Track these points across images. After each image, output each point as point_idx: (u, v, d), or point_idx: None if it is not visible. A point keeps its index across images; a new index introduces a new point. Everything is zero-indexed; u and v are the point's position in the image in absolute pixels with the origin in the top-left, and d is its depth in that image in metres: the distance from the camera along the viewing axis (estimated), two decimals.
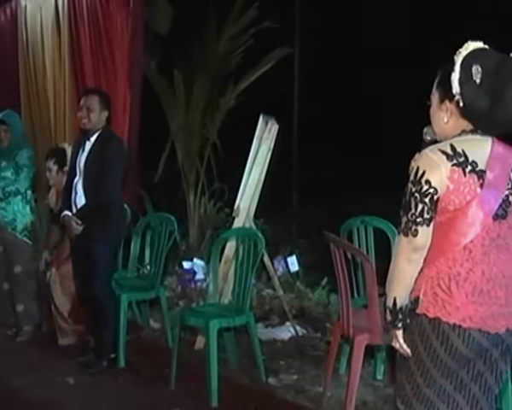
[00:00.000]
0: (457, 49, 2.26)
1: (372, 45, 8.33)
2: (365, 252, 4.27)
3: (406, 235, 2.24)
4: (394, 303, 2.27)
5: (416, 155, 2.30)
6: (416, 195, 2.22)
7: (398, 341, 2.32)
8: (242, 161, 4.93)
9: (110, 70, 5.60)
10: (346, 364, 4.11)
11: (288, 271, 5.40)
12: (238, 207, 4.79)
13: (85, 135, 4.50)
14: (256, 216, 5.12)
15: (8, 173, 5.11)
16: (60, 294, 4.94)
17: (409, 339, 2.31)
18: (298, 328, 4.93)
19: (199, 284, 5.28)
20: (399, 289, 2.27)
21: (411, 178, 2.24)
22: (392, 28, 8.03)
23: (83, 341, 4.87)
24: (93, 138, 4.46)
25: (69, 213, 4.42)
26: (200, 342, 4.72)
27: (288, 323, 4.98)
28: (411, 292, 2.30)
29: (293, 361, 4.56)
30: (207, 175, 6.14)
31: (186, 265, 5.39)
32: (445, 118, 2.31)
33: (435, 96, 2.34)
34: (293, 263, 5.33)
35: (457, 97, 2.23)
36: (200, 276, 5.30)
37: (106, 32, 5.58)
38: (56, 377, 4.38)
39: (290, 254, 5.46)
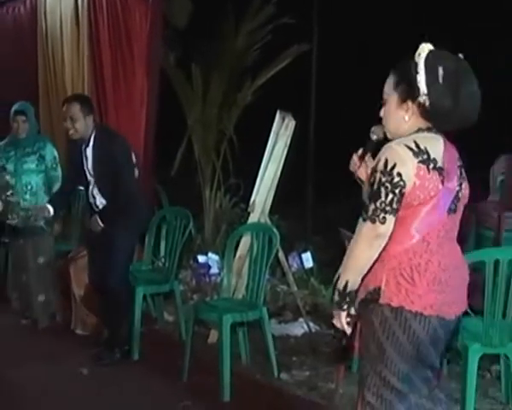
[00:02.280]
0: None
1: (391, 41, 8.27)
2: None
3: (373, 222, 2.33)
4: (345, 286, 2.38)
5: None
6: (387, 185, 2.31)
7: (341, 321, 2.42)
8: (258, 157, 4.94)
9: (128, 63, 5.62)
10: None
11: (303, 267, 5.40)
12: (253, 202, 4.79)
13: (81, 142, 4.46)
14: (271, 212, 5.12)
15: (33, 166, 5.17)
16: (76, 285, 4.99)
17: (369, 329, 2.42)
18: (311, 324, 4.93)
19: (213, 278, 5.29)
20: (353, 274, 2.38)
21: (381, 168, 2.32)
22: (408, 23, 7.97)
23: (97, 332, 4.90)
24: (91, 143, 4.43)
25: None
26: (213, 336, 4.73)
27: (301, 319, 4.98)
28: (369, 283, 2.40)
29: (305, 358, 4.55)
30: (223, 170, 6.15)
31: (201, 259, 5.41)
32: (406, 117, 2.41)
33: (393, 96, 2.42)
34: (307, 259, 5.33)
35: (424, 98, 2.33)
36: (214, 270, 5.31)
37: (125, 25, 5.60)
38: (71, 368, 4.41)
39: (305, 251, 5.45)
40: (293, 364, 4.46)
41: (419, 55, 2.34)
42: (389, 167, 2.30)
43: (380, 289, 2.37)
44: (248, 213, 4.86)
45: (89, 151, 4.43)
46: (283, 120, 4.77)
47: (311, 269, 5.39)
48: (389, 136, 2.47)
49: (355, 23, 8.24)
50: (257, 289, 4.30)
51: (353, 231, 4.22)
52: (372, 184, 2.34)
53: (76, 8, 6.00)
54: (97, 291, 4.68)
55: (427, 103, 2.33)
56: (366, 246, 2.34)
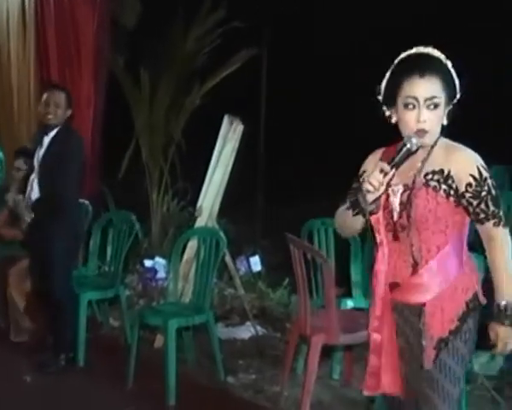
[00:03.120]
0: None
1: (341, 45, 8.38)
2: (325, 253, 4.31)
3: (505, 226, 2.31)
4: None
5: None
6: (496, 191, 2.30)
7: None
8: (207, 161, 4.94)
9: (75, 64, 5.56)
10: (304, 364, 4.13)
11: (251, 271, 5.41)
12: (201, 206, 4.80)
13: (43, 130, 4.45)
14: (220, 216, 5.13)
15: None
16: (15, 290, 4.89)
17: (468, 336, 2.37)
18: (258, 328, 4.95)
19: (160, 282, 5.26)
20: None
21: (485, 174, 2.27)
22: (363, 27, 8.09)
23: (38, 339, 4.81)
24: (52, 134, 4.42)
25: (20, 196, 4.41)
26: (159, 340, 4.70)
27: (248, 322, 4.99)
28: (468, 291, 2.38)
29: (252, 361, 4.57)
30: (171, 174, 6.13)
31: (147, 263, 5.37)
32: (445, 120, 2.35)
33: (443, 99, 2.28)
34: (255, 263, 5.34)
35: (455, 100, 2.34)
36: (161, 274, 5.28)
37: (72, 26, 5.54)
38: (13, 375, 4.32)
39: (253, 254, 5.46)
40: (240, 367, 4.47)
41: (440, 57, 2.31)
42: (486, 173, 2.28)
43: (476, 293, 2.39)
44: (196, 217, 4.86)
45: (46, 140, 4.41)
46: (231, 124, 4.79)
47: (260, 273, 5.40)
48: (429, 142, 2.32)
49: (305, 27, 8.32)
50: (203, 293, 4.30)
51: (299, 235, 4.30)
52: (489, 191, 2.27)
53: (23, 7, 5.89)
54: (40, 297, 4.60)
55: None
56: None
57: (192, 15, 6.30)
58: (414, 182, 2.32)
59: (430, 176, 2.32)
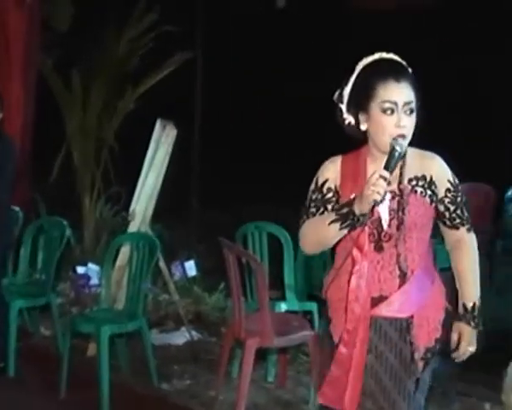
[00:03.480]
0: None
1: (276, 48, 8.45)
2: (259, 257, 4.34)
3: (473, 232, 2.36)
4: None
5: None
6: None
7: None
8: (140, 165, 4.90)
9: (4, 66, 5.43)
10: (239, 367, 4.14)
11: (186, 275, 5.39)
12: (133, 211, 4.76)
13: None
14: (154, 221, 5.09)
15: None
16: None
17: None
18: (193, 333, 4.93)
19: (93, 289, 5.18)
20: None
21: (457, 181, 2.32)
22: (297, 30, 8.18)
23: None
24: None
25: None
26: (92, 349, 4.62)
27: (183, 328, 4.96)
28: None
29: (187, 366, 4.55)
30: (104, 178, 6.04)
31: (80, 270, 5.28)
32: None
33: (415, 107, 2.24)
34: (190, 268, 5.32)
35: None
36: (94, 281, 5.20)
37: (1, 27, 5.40)
38: None
39: (188, 259, 5.44)
40: (175, 373, 4.45)
41: (403, 62, 2.29)
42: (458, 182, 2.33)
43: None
44: (129, 222, 4.81)
45: None
46: (164, 128, 4.76)
47: (195, 277, 5.39)
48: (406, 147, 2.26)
49: (240, 32, 8.35)
50: (137, 299, 4.26)
51: (233, 240, 4.32)
52: (462, 197, 2.31)
53: None
54: None
55: None
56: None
57: (125, 18, 6.24)
58: (400, 189, 2.26)
59: (415, 182, 2.29)
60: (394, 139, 2.18)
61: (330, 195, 2.31)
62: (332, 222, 2.20)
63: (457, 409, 3.96)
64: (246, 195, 7.41)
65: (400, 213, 2.24)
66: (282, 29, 8.06)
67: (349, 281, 2.27)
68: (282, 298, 4.50)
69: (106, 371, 3.94)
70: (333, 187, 2.31)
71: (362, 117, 2.27)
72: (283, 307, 4.36)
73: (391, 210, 2.25)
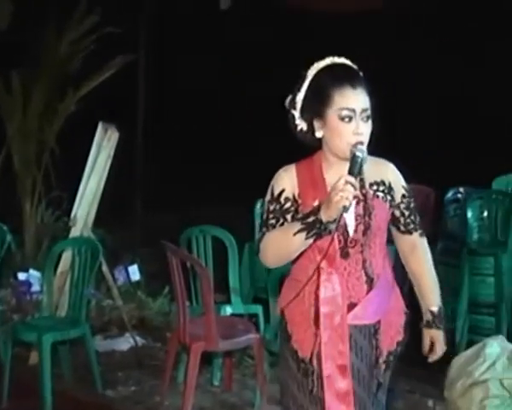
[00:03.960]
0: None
1: (221, 49, 8.46)
2: (203, 260, 4.33)
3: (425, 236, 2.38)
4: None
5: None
6: None
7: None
8: (82, 169, 4.82)
9: None
10: (184, 372, 4.12)
11: (130, 280, 5.32)
12: (75, 216, 4.69)
13: None
14: (98, 225, 5.01)
15: None
16: None
17: None
18: (138, 338, 4.88)
19: (35, 296, 5.05)
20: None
21: (410, 188, 2.35)
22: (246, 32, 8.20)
23: None
24: None
25: None
26: (34, 357, 4.53)
27: (127, 333, 4.91)
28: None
29: (131, 372, 4.51)
30: (45, 182, 5.92)
31: (21, 276, 5.14)
32: None
33: (370, 113, 2.22)
34: (134, 272, 5.25)
35: None
36: (36, 288, 5.07)
37: None
38: None
39: (132, 263, 5.38)
40: (119, 379, 4.41)
41: (358, 69, 2.26)
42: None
43: None
44: (70, 227, 4.73)
45: None
46: (106, 131, 4.70)
47: (138, 282, 5.33)
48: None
49: (183, 33, 8.32)
50: (79, 305, 4.22)
51: (177, 243, 4.29)
52: (414, 203, 2.34)
53: None
54: None
55: None
56: None
57: (66, 18, 6.13)
58: (363, 193, 2.24)
59: (375, 187, 2.28)
60: (354, 146, 2.15)
61: (289, 204, 2.24)
62: (298, 232, 2.12)
63: (401, 406, 4.03)
64: (190, 197, 7.39)
65: (367, 218, 2.23)
66: (225, 30, 8.06)
67: (316, 292, 2.22)
68: (228, 301, 4.50)
69: (48, 379, 3.89)
70: (291, 196, 2.24)
71: (317, 124, 2.23)
72: (228, 310, 4.37)
73: (357, 215, 2.23)
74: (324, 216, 2.08)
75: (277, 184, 2.26)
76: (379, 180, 2.28)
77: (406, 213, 2.32)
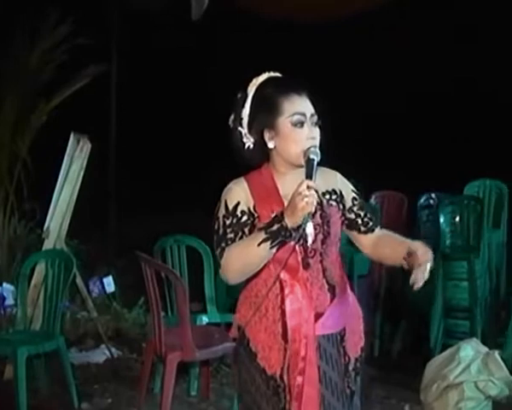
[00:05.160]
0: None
1: (193, 61, 8.46)
2: (178, 270, 4.32)
3: None
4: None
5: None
6: None
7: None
8: (55, 180, 4.79)
9: None
10: (161, 383, 4.10)
11: (105, 292, 5.28)
12: (48, 228, 4.65)
13: None
14: (72, 237, 4.97)
15: None
16: None
17: None
18: (113, 350, 4.85)
19: (8, 310, 4.99)
20: None
21: (359, 189, 2.35)
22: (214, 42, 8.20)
23: None
24: None
25: None
26: (9, 371, 4.47)
27: (103, 345, 4.87)
28: None
29: (108, 384, 4.48)
30: (18, 194, 5.86)
31: None
32: None
33: (316, 119, 2.22)
34: (109, 284, 5.21)
35: None
36: (9, 301, 5.00)
37: None
38: None
39: (107, 275, 5.34)
40: (95, 392, 4.38)
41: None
42: None
43: None
44: (44, 240, 4.69)
45: None
46: (78, 142, 4.67)
47: (114, 293, 5.29)
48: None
49: (156, 45, 8.30)
50: (54, 318, 4.18)
51: (151, 254, 4.27)
52: (363, 200, 2.37)
53: None
54: None
55: None
56: None
57: (37, 29, 6.09)
58: (319, 202, 2.17)
59: (328, 196, 2.27)
60: (307, 150, 2.15)
61: (245, 218, 2.19)
62: (262, 242, 2.07)
63: None
64: (165, 207, 7.36)
65: (325, 227, 2.22)
66: (198, 42, 8.07)
67: (281, 306, 2.17)
68: (204, 311, 4.49)
69: (23, 393, 3.85)
70: (246, 210, 2.19)
71: (268, 134, 2.21)
72: (204, 319, 4.36)
73: (315, 224, 2.20)
74: (290, 222, 2.05)
75: (230, 197, 2.21)
76: (330, 189, 2.29)
77: (362, 213, 2.33)
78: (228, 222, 2.19)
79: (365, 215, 2.34)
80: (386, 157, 7.15)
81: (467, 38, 7.18)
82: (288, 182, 2.19)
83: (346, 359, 2.26)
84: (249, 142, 2.25)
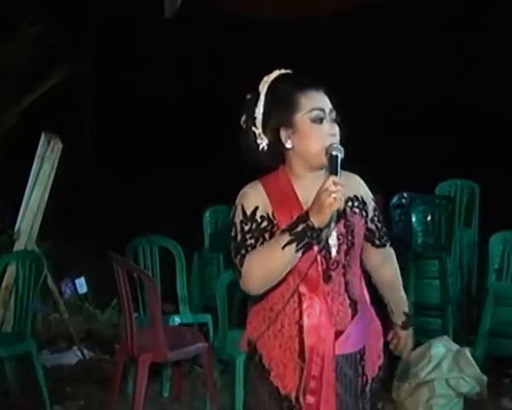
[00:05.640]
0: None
1: (170, 58, 8.41)
2: (151, 271, 4.30)
3: None
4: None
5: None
6: None
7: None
8: (26, 181, 4.73)
9: None
10: (133, 384, 4.08)
11: (77, 293, 5.25)
12: (19, 229, 4.60)
13: None
14: (43, 238, 4.92)
15: None
16: None
17: None
18: (85, 351, 4.81)
19: None
20: None
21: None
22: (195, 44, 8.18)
23: None
24: None
25: None
26: None
27: (75, 347, 4.83)
28: None
29: (80, 386, 4.43)
30: None
31: None
32: None
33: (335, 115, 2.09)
34: (81, 285, 5.20)
35: None
36: None
37: None
38: None
39: (79, 276, 5.31)
40: (67, 394, 4.32)
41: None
42: None
43: None
44: (14, 241, 4.64)
45: None
46: (49, 142, 4.62)
47: (86, 294, 5.26)
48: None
49: (133, 44, 8.25)
50: (25, 319, 4.12)
51: (124, 254, 4.25)
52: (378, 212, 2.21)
53: None
54: None
55: None
56: None
57: (9, 28, 6.03)
58: (342, 210, 1.98)
59: (350, 203, 2.11)
60: (329, 147, 2.00)
61: (266, 223, 2.02)
62: (287, 244, 1.91)
63: None
64: (139, 208, 7.32)
65: (349, 237, 2.06)
66: (173, 39, 8.03)
67: (299, 322, 2.03)
68: (177, 311, 4.48)
69: None
70: (265, 215, 2.03)
71: (285, 133, 2.06)
72: (177, 320, 4.35)
73: (339, 234, 2.05)
74: (316, 221, 1.89)
75: (248, 201, 2.05)
76: (352, 195, 2.12)
77: (379, 225, 2.20)
78: (247, 228, 2.02)
79: (381, 228, 2.21)
80: (359, 157, 7.17)
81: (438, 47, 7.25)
82: (307, 187, 2.04)
83: (364, 379, 2.13)
84: (263, 143, 2.09)
